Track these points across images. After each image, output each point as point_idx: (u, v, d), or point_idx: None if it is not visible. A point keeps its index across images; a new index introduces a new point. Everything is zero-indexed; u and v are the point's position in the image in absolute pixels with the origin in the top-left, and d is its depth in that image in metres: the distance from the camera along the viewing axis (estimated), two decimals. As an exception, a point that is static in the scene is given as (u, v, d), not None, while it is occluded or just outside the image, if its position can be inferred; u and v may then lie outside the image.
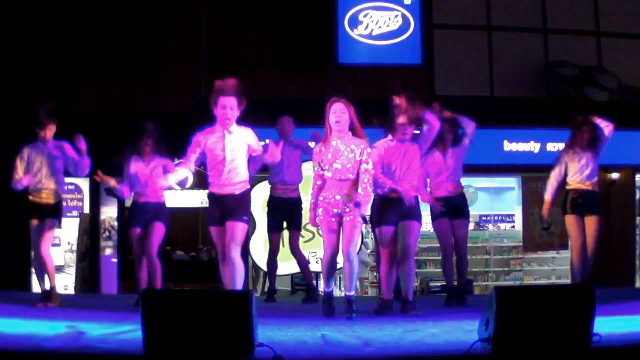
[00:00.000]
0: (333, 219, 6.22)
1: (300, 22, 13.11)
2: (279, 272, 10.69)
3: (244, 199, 6.08)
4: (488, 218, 14.27)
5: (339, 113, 6.19)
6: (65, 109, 10.70)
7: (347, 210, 6.15)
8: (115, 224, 12.01)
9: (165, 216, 7.70)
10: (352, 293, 6.25)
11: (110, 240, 12.42)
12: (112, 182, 7.56)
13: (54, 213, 7.31)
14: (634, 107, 12.64)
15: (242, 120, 6.15)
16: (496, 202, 14.35)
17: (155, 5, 12.69)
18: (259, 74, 12.60)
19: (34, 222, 7.29)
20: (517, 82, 13.07)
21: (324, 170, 6.26)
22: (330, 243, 6.24)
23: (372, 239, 12.89)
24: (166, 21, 12.71)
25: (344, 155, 6.17)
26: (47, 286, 7.26)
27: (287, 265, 10.39)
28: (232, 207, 5.98)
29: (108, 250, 12.45)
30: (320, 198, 6.25)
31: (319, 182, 6.33)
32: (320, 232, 6.52)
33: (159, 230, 7.55)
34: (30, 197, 7.33)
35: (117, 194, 7.91)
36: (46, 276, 7.25)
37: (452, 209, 7.47)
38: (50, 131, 7.28)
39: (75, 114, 7.71)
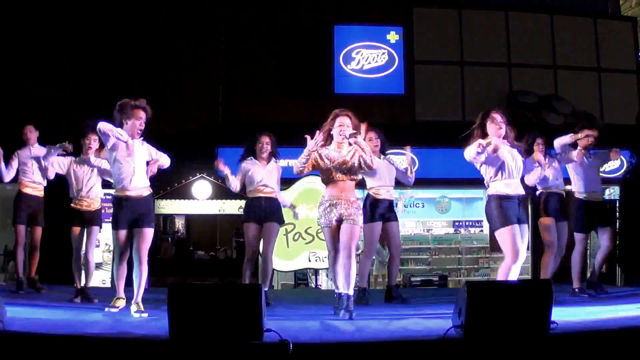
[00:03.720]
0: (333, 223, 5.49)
1: (304, 58, 13.19)
2: (284, 268, 10.67)
3: None
4: (460, 223, 14.24)
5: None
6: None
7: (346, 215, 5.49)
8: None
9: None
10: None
11: (142, 241, 12.32)
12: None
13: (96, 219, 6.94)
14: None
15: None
16: (467, 210, 14.31)
17: (179, 41, 12.73)
18: (269, 101, 12.67)
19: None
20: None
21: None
22: (333, 244, 5.50)
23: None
24: (189, 55, 12.73)
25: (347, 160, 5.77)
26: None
27: (291, 263, 10.36)
28: None
29: (140, 250, 12.34)
30: (327, 203, 5.57)
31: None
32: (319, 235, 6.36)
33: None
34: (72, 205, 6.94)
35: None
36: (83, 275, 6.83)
37: None
38: (94, 144, 6.76)
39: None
